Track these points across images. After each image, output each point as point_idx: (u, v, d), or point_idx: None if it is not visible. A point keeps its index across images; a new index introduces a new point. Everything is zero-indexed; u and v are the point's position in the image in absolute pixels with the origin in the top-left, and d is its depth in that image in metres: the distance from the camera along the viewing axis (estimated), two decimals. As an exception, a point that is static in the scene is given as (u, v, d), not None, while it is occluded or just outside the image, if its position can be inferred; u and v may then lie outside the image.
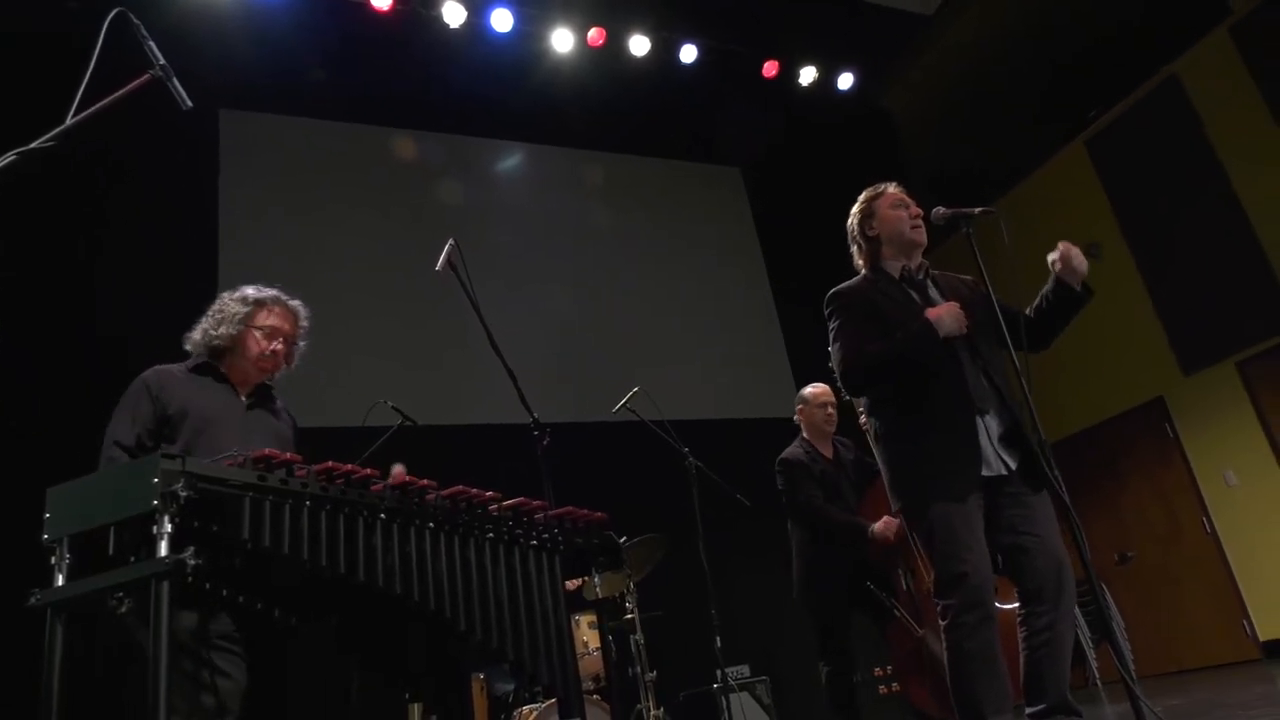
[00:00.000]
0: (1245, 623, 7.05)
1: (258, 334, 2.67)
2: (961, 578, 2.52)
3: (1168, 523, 7.70)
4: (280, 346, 2.72)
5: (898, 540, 3.92)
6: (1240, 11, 7.14)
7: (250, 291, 2.73)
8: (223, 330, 2.64)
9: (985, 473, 2.64)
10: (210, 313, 2.71)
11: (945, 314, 2.70)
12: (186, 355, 2.70)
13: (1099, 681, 7.11)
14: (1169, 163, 7.57)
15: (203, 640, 2.22)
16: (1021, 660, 2.61)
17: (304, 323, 2.83)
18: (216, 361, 2.67)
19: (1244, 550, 7.12)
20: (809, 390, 4.53)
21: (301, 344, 2.83)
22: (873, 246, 2.98)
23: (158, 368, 2.60)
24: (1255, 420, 7.03)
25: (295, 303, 2.82)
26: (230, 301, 2.71)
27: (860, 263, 3.05)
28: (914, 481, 2.70)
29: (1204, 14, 7.36)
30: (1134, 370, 7.90)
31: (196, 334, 2.69)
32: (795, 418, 4.55)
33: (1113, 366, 8.06)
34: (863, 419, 4.19)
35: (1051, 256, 2.79)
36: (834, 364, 2.90)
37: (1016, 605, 2.71)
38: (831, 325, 2.92)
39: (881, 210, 2.97)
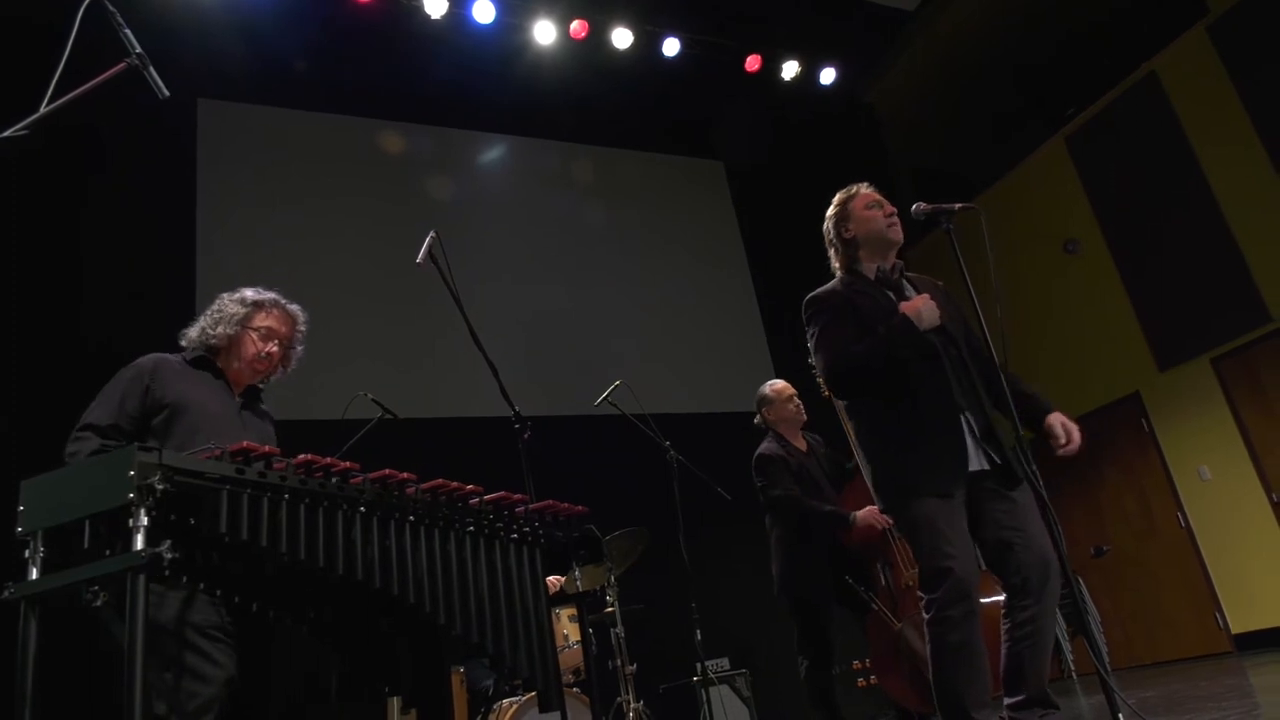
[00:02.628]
0: (1218, 616, 7.16)
1: (254, 335, 2.69)
2: (946, 572, 2.53)
3: (1142, 517, 7.79)
4: (275, 349, 2.73)
5: (880, 530, 3.95)
6: (1218, 10, 7.21)
7: (249, 293, 2.75)
8: (220, 330, 2.66)
9: (969, 468, 2.66)
10: (208, 312, 2.73)
11: (921, 306, 2.71)
12: (175, 347, 2.70)
13: (1074, 673, 7.19)
14: (1147, 160, 7.64)
15: (191, 629, 2.21)
16: (1003, 652, 2.64)
17: (301, 327, 2.84)
18: (213, 359, 2.69)
19: (1217, 544, 7.22)
20: (771, 389, 4.49)
21: (299, 349, 2.84)
22: (849, 249, 2.96)
23: (158, 355, 2.60)
24: (1229, 416, 7.13)
25: (294, 307, 2.84)
26: (229, 302, 2.73)
27: (837, 266, 3.03)
28: (899, 479, 2.70)
29: (1182, 12, 7.43)
30: (1111, 366, 7.98)
31: (194, 332, 2.71)
32: (757, 420, 4.50)
33: (1090, 362, 8.14)
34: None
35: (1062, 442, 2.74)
36: (819, 369, 2.89)
37: (998, 599, 2.73)
38: (812, 330, 2.89)
39: (857, 211, 2.95)
